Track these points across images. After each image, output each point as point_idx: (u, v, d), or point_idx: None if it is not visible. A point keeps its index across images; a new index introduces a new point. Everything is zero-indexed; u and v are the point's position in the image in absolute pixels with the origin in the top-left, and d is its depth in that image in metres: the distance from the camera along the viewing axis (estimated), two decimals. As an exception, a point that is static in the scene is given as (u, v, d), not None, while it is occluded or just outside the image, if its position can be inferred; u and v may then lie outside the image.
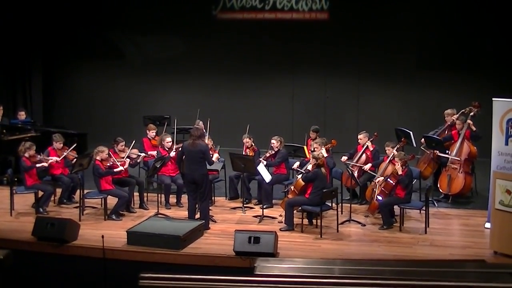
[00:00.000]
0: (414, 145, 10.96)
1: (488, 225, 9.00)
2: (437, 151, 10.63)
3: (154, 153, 10.93)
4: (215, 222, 9.70)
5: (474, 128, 10.60)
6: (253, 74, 15.30)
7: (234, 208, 10.46)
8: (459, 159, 10.52)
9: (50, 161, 10.26)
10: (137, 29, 15.63)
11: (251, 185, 10.78)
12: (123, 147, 10.57)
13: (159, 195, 10.35)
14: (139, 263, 8.18)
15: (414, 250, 8.59)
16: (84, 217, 9.91)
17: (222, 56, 15.21)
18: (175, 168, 10.60)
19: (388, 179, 9.46)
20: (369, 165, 10.32)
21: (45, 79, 15.90)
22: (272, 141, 10.62)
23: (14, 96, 15.41)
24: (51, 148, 10.59)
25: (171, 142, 10.72)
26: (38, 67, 15.70)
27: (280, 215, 9.78)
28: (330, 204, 9.66)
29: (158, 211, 10.00)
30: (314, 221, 9.56)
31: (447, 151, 10.68)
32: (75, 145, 10.82)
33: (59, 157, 10.42)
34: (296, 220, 9.46)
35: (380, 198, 9.49)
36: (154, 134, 11.56)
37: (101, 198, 9.99)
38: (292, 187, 9.69)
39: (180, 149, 9.93)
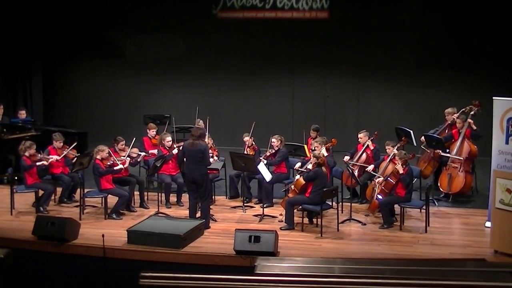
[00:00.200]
0: (415, 144, 10.96)
1: (488, 224, 9.00)
2: (440, 151, 10.62)
3: (155, 151, 10.93)
4: (216, 221, 9.70)
5: (474, 127, 10.60)
6: (254, 73, 15.29)
7: (235, 207, 10.46)
8: (459, 158, 10.51)
9: (50, 160, 10.26)
10: (137, 28, 15.62)
11: (251, 184, 10.78)
12: (123, 146, 10.57)
13: (160, 194, 10.35)
14: (140, 262, 8.19)
15: (415, 249, 8.59)
16: (84, 216, 9.90)
17: (222, 55, 15.20)
18: (175, 167, 10.61)
19: (389, 178, 9.46)
20: (371, 166, 10.31)
21: (46, 78, 15.89)
22: (273, 140, 10.62)
23: (14, 95, 15.41)
24: (51, 147, 10.59)
25: (171, 141, 10.72)
26: (38, 66, 15.70)
27: (281, 214, 9.78)
28: (330, 203, 9.65)
29: (158, 210, 10.01)
30: (314, 220, 9.56)
31: (447, 150, 10.68)
32: (75, 143, 10.82)
33: (59, 156, 10.42)
34: (296, 219, 9.46)
35: (380, 197, 9.48)
36: (155, 133, 11.56)
37: (102, 197, 9.99)
38: (292, 186, 9.68)
39: (181, 148, 9.94)
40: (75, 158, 10.27)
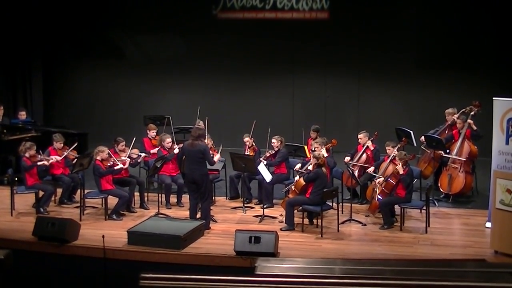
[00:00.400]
0: (415, 144, 10.96)
1: (488, 224, 9.00)
2: (442, 152, 10.62)
3: (156, 150, 10.93)
4: (216, 222, 9.70)
5: (474, 127, 10.60)
6: (254, 73, 15.30)
7: (235, 208, 10.46)
8: (460, 158, 10.51)
9: (50, 160, 10.26)
10: (138, 29, 15.63)
11: (251, 184, 10.78)
12: (124, 147, 10.57)
13: (160, 194, 10.36)
14: (140, 263, 8.19)
15: (415, 249, 8.59)
16: (84, 217, 9.91)
17: (222, 55, 15.20)
18: (175, 167, 10.61)
19: (389, 179, 9.46)
20: (372, 168, 10.30)
21: (46, 78, 15.90)
22: (273, 140, 10.62)
23: (14, 96, 15.41)
24: (51, 148, 10.59)
25: (171, 142, 10.72)
26: (38, 67, 15.70)
27: (281, 215, 9.78)
28: (330, 204, 9.65)
29: (158, 211, 10.01)
30: (314, 220, 9.56)
31: (447, 151, 10.68)
32: (76, 144, 10.82)
33: (60, 156, 10.42)
34: (296, 220, 9.46)
35: (380, 197, 9.48)
36: (155, 134, 11.56)
37: (102, 198, 9.99)
38: (292, 187, 9.69)
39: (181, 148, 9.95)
40: (75, 159, 10.27)
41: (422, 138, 10.98)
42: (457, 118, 10.85)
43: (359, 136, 10.73)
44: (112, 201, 9.94)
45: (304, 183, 9.32)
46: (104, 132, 13.87)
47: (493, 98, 9.24)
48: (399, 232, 9.24)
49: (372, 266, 5.09)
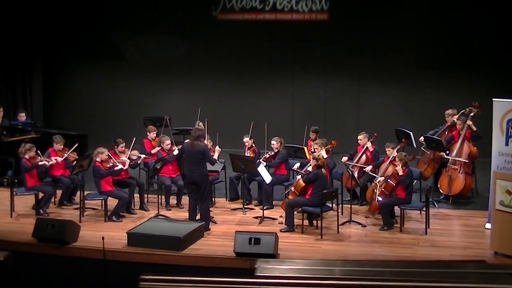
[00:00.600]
0: (415, 145, 10.96)
1: (488, 225, 8.99)
2: (443, 154, 10.61)
3: (156, 150, 10.93)
4: (216, 223, 9.70)
5: (474, 128, 10.60)
6: (253, 75, 15.30)
7: (235, 209, 10.46)
8: (460, 159, 10.50)
9: (50, 162, 10.25)
10: (137, 30, 15.64)
11: (251, 186, 10.78)
12: (123, 148, 10.57)
13: (160, 196, 10.35)
14: (140, 264, 8.18)
15: (415, 250, 8.58)
16: (84, 218, 9.90)
17: (222, 57, 15.21)
18: (175, 169, 10.61)
19: (389, 180, 9.46)
20: (370, 166, 10.31)
21: (45, 80, 15.90)
22: (272, 142, 10.62)
23: (14, 97, 15.41)
24: (51, 149, 10.59)
25: (170, 144, 10.72)
26: (38, 68, 15.71)
27: (281, 216, 9.78)
28: (330, 205, 9.65)
29: (158, 212, 10.00)
30: (314, 222, 9.56)
31: (447, 152, 10.68)
32: (76, 145, 10.81)
33: (60, 157, 10.43)
34: (296, 221, 9.46)
35: (380, 198, 9.48)
36: (155, 135, 11.56)
37: (102, 199, 9.99)
38: (292, 188, 9.68)
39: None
40: (75, 161, 10.27)
41: (422, 139, 10.99)
42: (457, 119, 10.85)
43: (359, 137, 10.73)
44: (112, 202, 9.94)
45: (304, 184, 9.32)
46: (104, 134, 13.87)
47: (493, 99, 9.24)
48: (399, 233, 9.24)
49: (372, 267, 5.08)
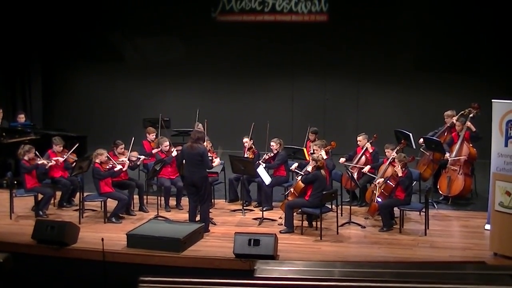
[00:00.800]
0: (414, 147, 10.97)
1: (488, 226, 8.99)
2: (446, 155, 10.60)
3: (155, 152, 10.93)
4: (215, 224, 9.69)
5: (473, 129, 10.59)
6: (253, 76, 15.30)
7: (234, 211, 10.45)
8: (460, 157, 10.50)
9: (50, 163, 10.25)
10: (137, 31, 15.63)
11: (250, 187, 10.78)
12: (123, 149, 10.56)
13: (159, 197, 10.35)
14: (139, 265, 8.18)
15: (414, 252, 8.58)
16: (84, 220, 9.89)
17: (221, 58, 15.21)
18: (174, 170, 10.62)
19: (388, 181, 9.46)
20: (368, 167, 10.31)
21: (45, 81, 15.91)
22: (272, 143, 10.62)
23: (13, 99, 15.41)
24: (50, 151, 10.58)
25: (169, 146, 10.73)
26: (37, 70, 15.71)
27: (280, 217, 9.77)
28: (330, 206, 9.66)
29: (158, 214, 9.99)
30: (314, 223, 9.55)
31: (446, 153, 10.68)
32: (77, 145, 10.81)
33: (61, 158, 10.42)
34: (296, 222, 9.45)
35: (379, 200, 9.48)
36: (154, 137, 11.57)
37: (101, 201, 9.99)
38: (292, 189, 9.68)
39: (180, 151, 9.94)
40: (75, 162, 10.27)
41: (421, 140, 10.99)
42: (456, 120, 10.85)
43: (358, 138, 10.74)
44: (111, 204, 9.93)
45: (303, 185, 9.32)
46: (103, 135, 13.86)
47: (492, 100, 9.24)
48: (398, 235, 9.24)
49: (372, 268, 5.09)
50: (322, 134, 12.23)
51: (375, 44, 14.44)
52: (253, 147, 11.01)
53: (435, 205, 10.45)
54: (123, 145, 10.59)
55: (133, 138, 10.65)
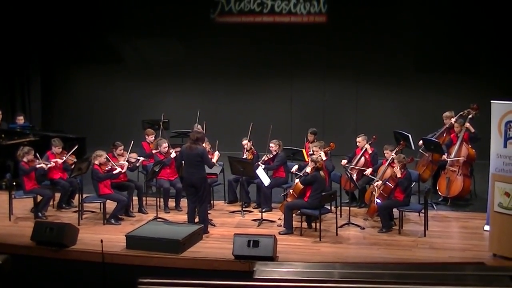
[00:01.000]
0: (413, 148, 10.97)
1: (487, 227, 9.00)
2: (445, 156, 10.60)
3: (154, 152, 10.92)
4: (214, 226, 9.69)
5: (472, 130, 10.59)
6: (252, 77, 15.31)
7: (233, 212, 10.45)
8: (459, 159, 10.50)
9: (49, 165, 10.24)
10: (136, 33, 15.64)
11: (250, 188, 10.77)
12: (122, 151, 10.56)
13: (158, 199, 10.35)
14: (138, 267, 8.18)
15: (414, 253, 8.58)
16: (83, 221, 9.89)
17: (220, 59, 15.22)
18: (173, 172, 10.62)
19: (387, 182, 9.46)
20: (370, 169, 10.31)
21: (44, 83, 15.91)
22: (271, 144, 10.62)
23: (12, 100, 15.41)
24: (50, 152, 10.58)
25: (167, 147, 10.73)
26: (36, 71, 15.71)
27: (279, 219, 9.77)
28: (329, 207, 9.65)
29: (157, 215, 9.99)
30: (313, 224, 9.55)
31: (445, 153, 10.68)
32: (76, 147, 10.80)
33: (60, 159, 10.42)
34: (295, 224, 9.45)
35: (379, 201, 9.48)
36: (153, 138, 11.57)
37: (100, 202, 9.98)
38: (291, 191, 9.68)
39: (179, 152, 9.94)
40: (74, 164, 10.27)
41: (421, 143, 10.99)
42: (455, 121, 10.85)
43: (358, 139, 10.73)
44: (111, 205, 9.93)
45: (302, 186, 9.32)
46: (102, 136, 13.86)
47: (491, 101, 9.24)
48: (397, 236, 9.24)
49: (371, 269, 5.10)
50: (321, 135, 12.23)
51: (374, 45, 14.45)
52: (252, 148, 11.00)
53: (434, 206, 10.45)
54: (122, 147, 10.59)
55: (132, 141, 10.66)
